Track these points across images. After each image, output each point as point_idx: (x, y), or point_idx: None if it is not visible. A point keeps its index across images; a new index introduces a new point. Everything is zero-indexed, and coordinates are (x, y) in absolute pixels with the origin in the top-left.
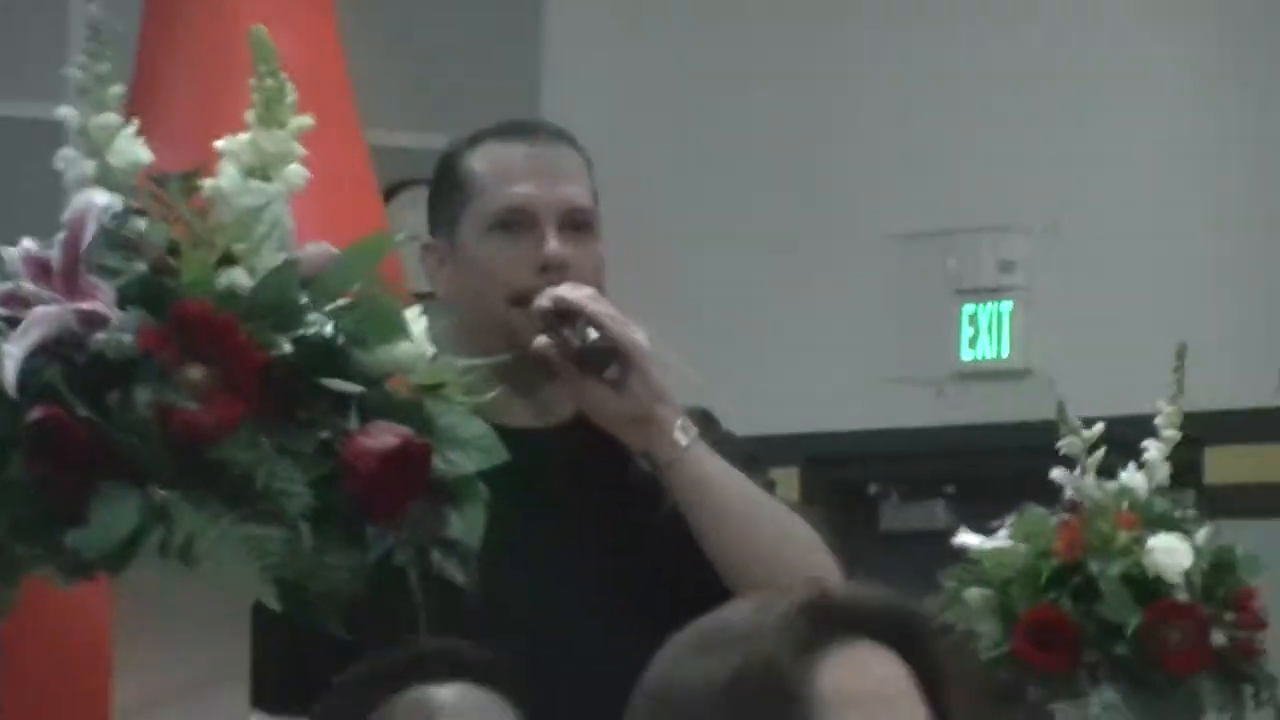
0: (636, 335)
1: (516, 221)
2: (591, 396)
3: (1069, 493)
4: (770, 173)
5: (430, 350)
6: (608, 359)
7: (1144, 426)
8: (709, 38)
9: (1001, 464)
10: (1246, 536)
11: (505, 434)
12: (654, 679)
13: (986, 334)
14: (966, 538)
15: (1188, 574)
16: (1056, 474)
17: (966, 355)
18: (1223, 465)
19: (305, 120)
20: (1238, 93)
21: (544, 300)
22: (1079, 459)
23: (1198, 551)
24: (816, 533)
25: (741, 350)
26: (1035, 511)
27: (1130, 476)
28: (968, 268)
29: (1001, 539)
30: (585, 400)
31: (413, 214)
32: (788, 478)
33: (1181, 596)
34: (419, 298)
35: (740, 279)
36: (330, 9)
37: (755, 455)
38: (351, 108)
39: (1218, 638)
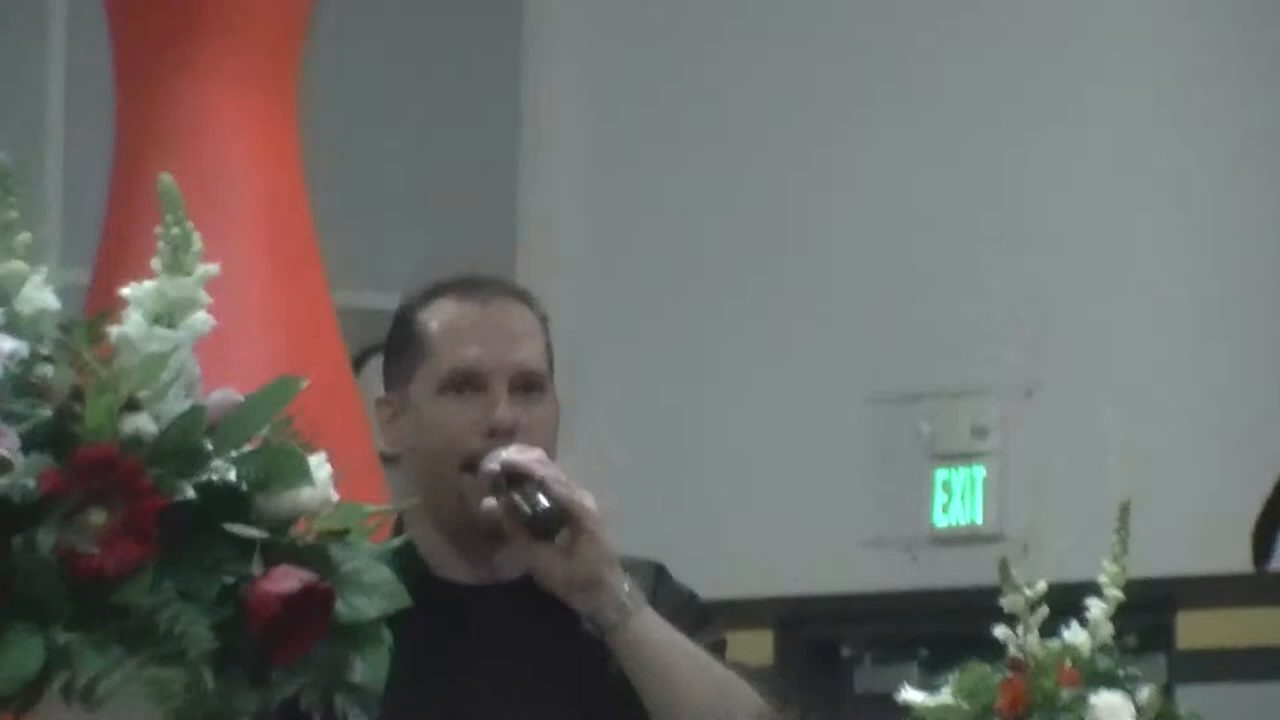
0: (586, 500)
1: (466, 384)
2: (539, 562)
3: (1012, 650)
4: (749, 339)
5: (334, 496)
6: (557, 524)
7: (1124, 589)
8: (692, 200)
9: (975, 627)
10: (1216, 701)
11: (454, 590)
12: None
13: (960, 499)
14: (909, 694)
15: None
16: (999, 632)
17: (940, 521)
18: (1196, 630)
19: (212, 268)
20: (1214, 260)
21: (492, 464)
22: (1022, 617)
23: (1140, 710)
24: (762, 697)
25: (718, 512)
26: (978, 668)
27: (1074, 634)
28: (941, 432)
29: (945, 695)
30: (533, 565)
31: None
32: (762, 640)
33: None
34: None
35: (718, 441)
36: (298, 167)
37: (706, 612)
38: (319, 268)
39: None
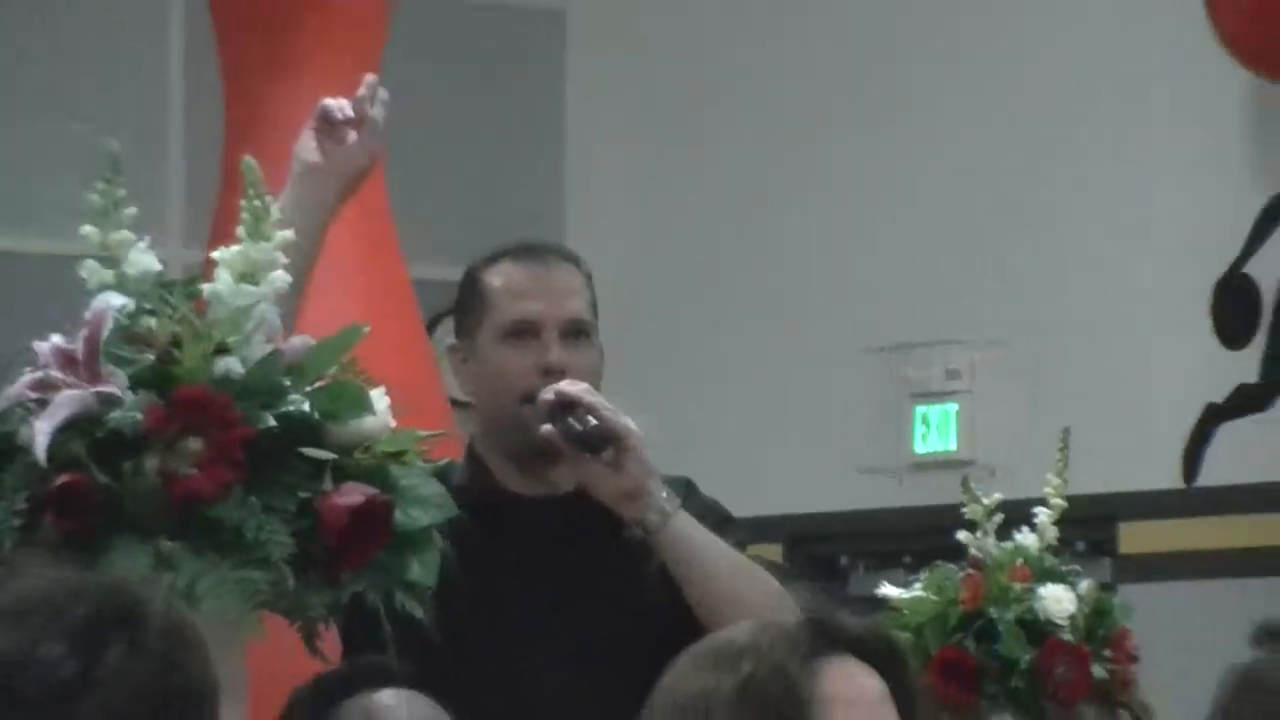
0: (628, 422)
1: (525, 332)
2: (590, 474)
3: (972, 551)
4: (762, 301)
5: (392, 423)
6: (604, 442)
7: (1074, 503)
8: (706, 179)
9: (949, 538)
10: (1153, 597)
11: (517, 500)
12: (668, 690)
13: (936, 431)
14: (888, 590)
15: (1072, 618)
16: (962, 536)
17: (920, 449)
18: (1135, 538)
19: (287, 234)
20: (1177, 218)
21: (547, 394)
22: (981, 524)
23: (1080, 599)
24: (777, 582)
25: (736, 445)
26: (944, 568)
27: (1024, 538)
28: (921, 376)
29: (917, 590)
30: (585, 477)
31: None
32: (772, 553)
33: (1067, 637)
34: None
35: (735, 385)
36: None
37: (729, 516)
38: (395, 244)
39: (1097, 671)
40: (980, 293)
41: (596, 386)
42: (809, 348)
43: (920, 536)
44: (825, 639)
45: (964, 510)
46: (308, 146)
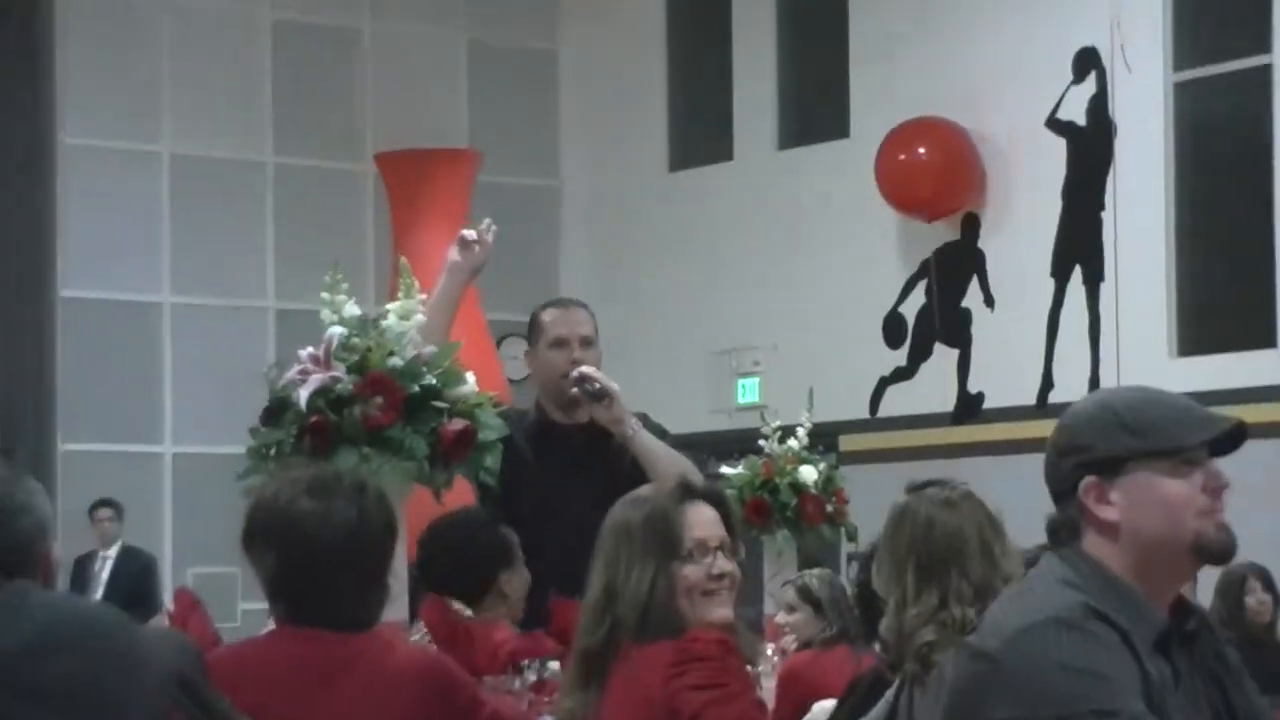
0: (614, 387)
1: (561, 344)
2: (596, 412)
3: (766, 450)
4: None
5: (475, 387)
6: (603, 395)
7: (818, 427)
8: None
9: (755, 444)
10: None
11: (557, 427)
12: (608, 521)
13: (749, 392)
14: (725, 469)
15: (816, 482)
16: (762, 443)
17: (740, 401)
18: (852, 443)
19: (421, 296)
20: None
21: (574, 373)
22: (770, 437)
23: (819, 473)
24: (689, 462)
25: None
26: (752, 458)
27: (792, 443)
28: (739, 364)
29: (740, 470)
30: (594, 414)
31: (510, 350)
32: None
33: (814, 491)
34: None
35: (642, 371)
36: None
37: (665, 430)
38: (475, 296)
39: (826, 509)
40: (766, 316)
41: (598, 368)
42: (667, 348)
43: (741, 443)
44: (688, 492)
45: (762, 430)
46: (454, 252)
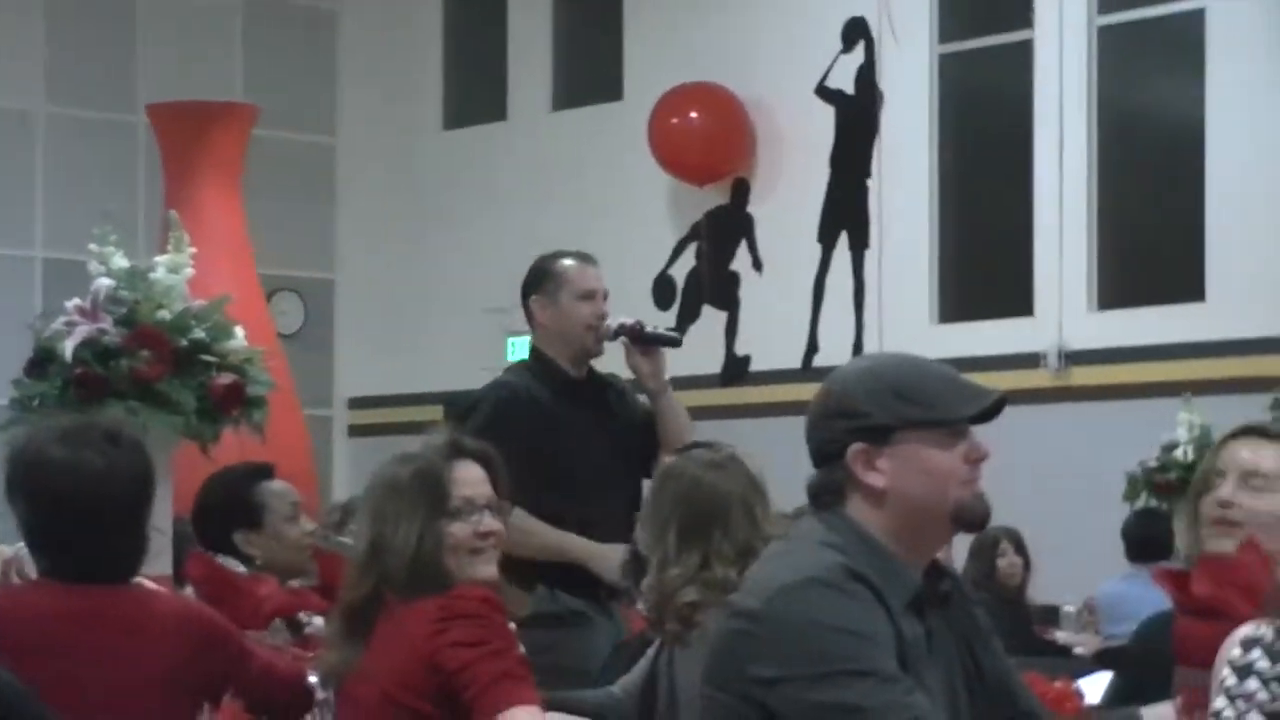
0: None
1: (590, 296)
2: (638, 365)
3: None
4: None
5: (245, 341)
6: (674, 342)
7: None
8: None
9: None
10: None
11: (570, 379)
12: (374, 477)
13: (519, 349)
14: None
15: None
16: None
17: (510, 358)
18: None
19: (191, 249)
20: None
21: (624, 322)
22: None
23: None
24: (689, 418)
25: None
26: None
27: None
28: (512, 323)
29: None
30: (634, 366)
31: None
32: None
33: None
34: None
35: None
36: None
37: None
38: (249, 251)
39: None
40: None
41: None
42: (452, 307)
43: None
44: (457, 450)
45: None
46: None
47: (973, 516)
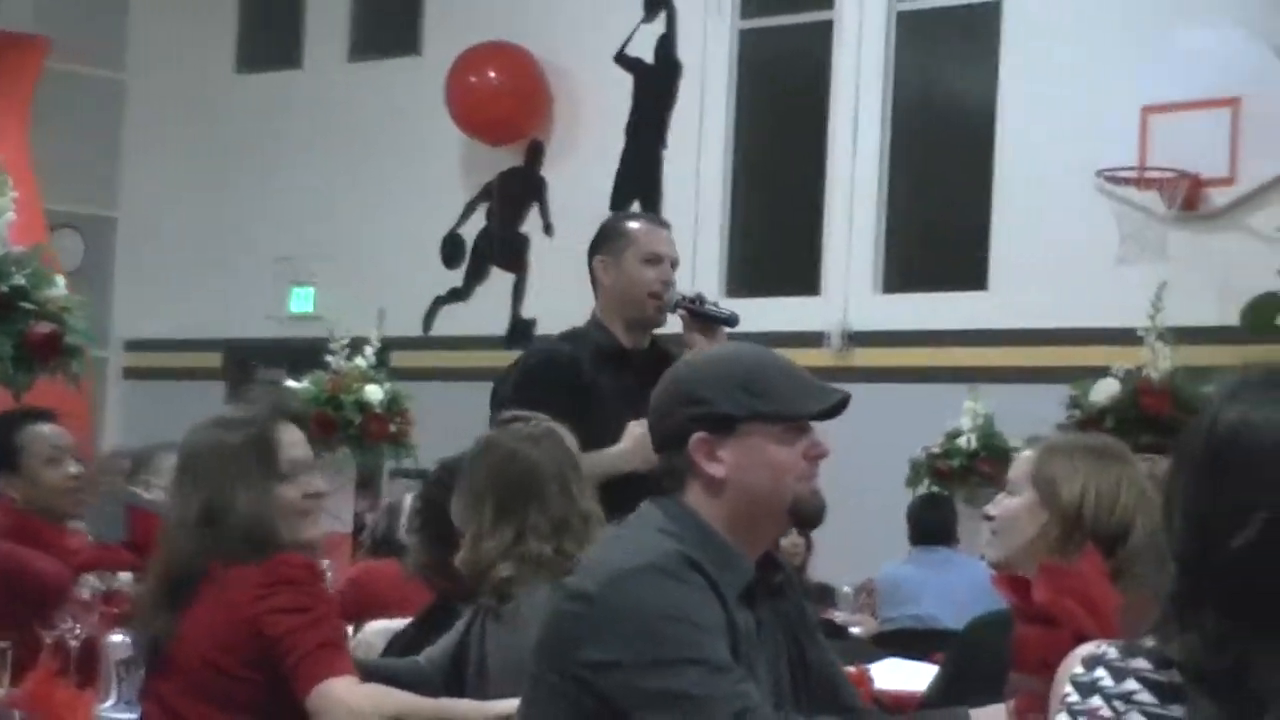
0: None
1: (657, 261)
2: (694, 340)
3: (333, 366)
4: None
5: (65, 290)
6: (733, 321)
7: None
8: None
9: (322, 358)
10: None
11: (624, 350)
12: (195, 441)
13: (303, 301)
14: (290, 383)
15: (381, 401)
16: (329, 359)
17: (294, 310)
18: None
19: (14, 194)
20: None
21: (677, 295)
22: (339, 350)
23: (385, 392)
24: None
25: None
26: (318, 373)
27: (360, 359)
28: (296, 273)
29: (306, 384)
30: (690, 341)
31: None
32: (215, 360)
33: (378, 410)
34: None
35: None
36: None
37: None
38: (34, 186)
39: (390, 429)
40: (326, 227)
41: None
42: (238, 253)
43: (294, 354)
44: (280, 411)
45: (330, 345)
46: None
47: (809, 511)
